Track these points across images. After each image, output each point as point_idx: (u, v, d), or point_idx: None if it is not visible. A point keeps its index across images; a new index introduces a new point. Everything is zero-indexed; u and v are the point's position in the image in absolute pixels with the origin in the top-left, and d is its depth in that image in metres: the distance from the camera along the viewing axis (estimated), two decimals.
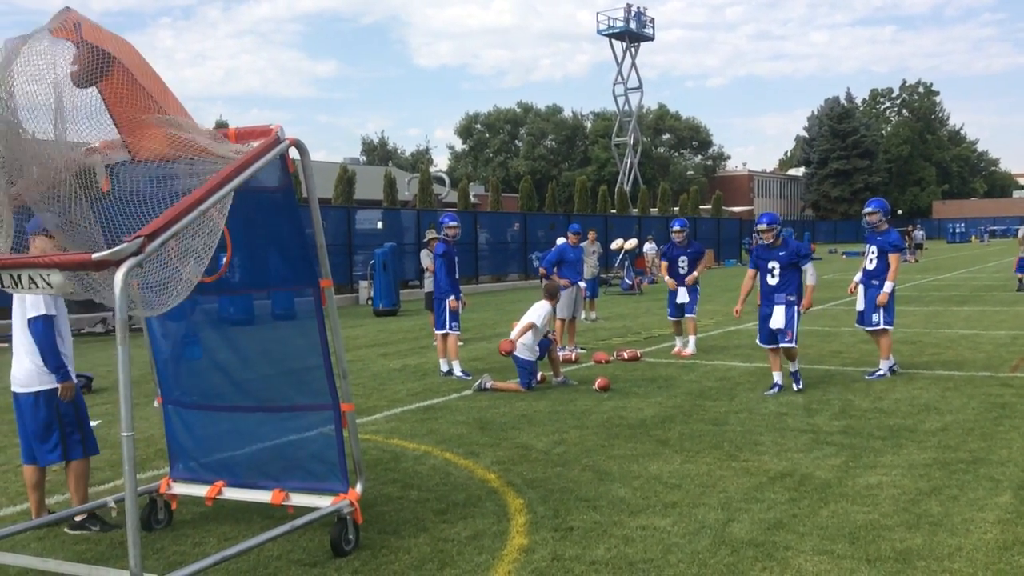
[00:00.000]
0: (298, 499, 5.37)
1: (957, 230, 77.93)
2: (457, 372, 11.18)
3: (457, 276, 11.33)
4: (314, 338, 5.24)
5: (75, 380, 5.61)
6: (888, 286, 10.31)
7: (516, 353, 10.18)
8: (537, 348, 10.24)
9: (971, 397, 9.00)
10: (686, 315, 12.89)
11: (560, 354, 11.23)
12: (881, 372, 10.44)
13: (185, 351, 5.82)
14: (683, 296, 12.84)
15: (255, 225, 5.25)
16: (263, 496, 5.46)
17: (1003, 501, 5.66)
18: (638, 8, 68.66)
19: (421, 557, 5.01)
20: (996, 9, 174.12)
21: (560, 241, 16.01)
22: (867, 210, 10.62)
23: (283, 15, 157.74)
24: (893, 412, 8.44)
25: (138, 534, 4.00)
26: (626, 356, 12.34)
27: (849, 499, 5.81)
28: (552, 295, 10.79)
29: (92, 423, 8.90)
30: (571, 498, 5.99)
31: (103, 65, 4.43)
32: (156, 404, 8.95)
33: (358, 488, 5.37)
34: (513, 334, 10.33)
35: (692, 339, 12.87)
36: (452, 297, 11.16)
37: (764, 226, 9.72)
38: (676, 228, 13.16)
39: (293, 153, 5.06)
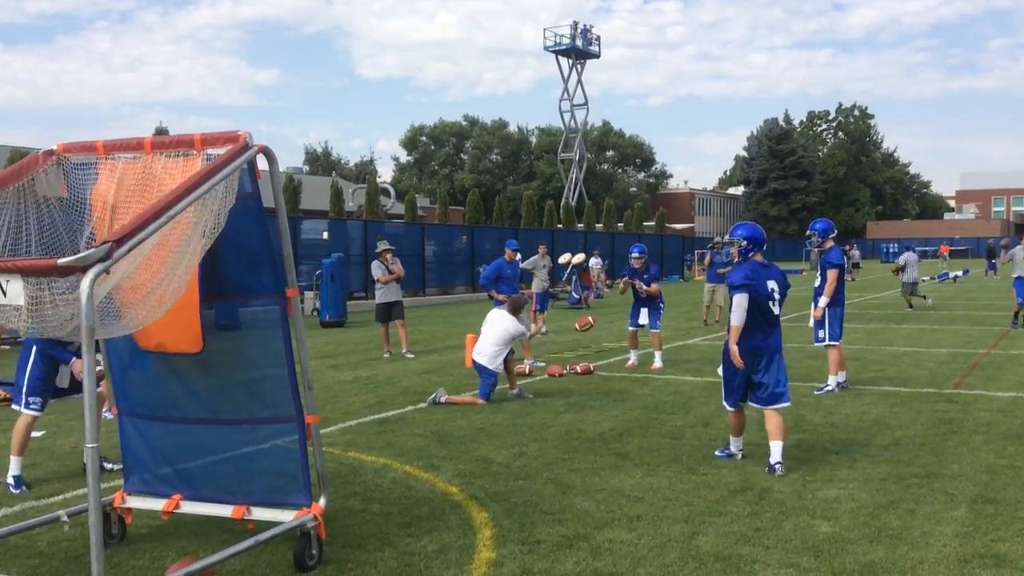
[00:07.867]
0: (259, 513, 5.23)
1: (891, 250, 79.94)
2: None
3: None
4: (278, 348, 5.15)
5: None
6: (822, 301, 10.51)
7: (483, 363, 10.15)
8: (501, 361, 10.21)
9: (919, 413, 9.19)
10: (651, 330, 12.95)
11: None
12: (829, 388, 10.62)
13: (134, 361, 5.66)
14: (644, 317, 12.92)
15: (221, 233, 5.13)
16: (223, 510, 5.31)
17: (959, 515, 5.77)
18: (584, 25, 69.37)
19: (388, 571, 4.93)
20: (929, 36, 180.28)
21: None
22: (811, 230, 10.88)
23: (224, 22, 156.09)
24: (844, 427, 8.58)
25: (102, 549, 3.86)
26: (579, 370, 12.37)
27: (810, 513, 5.88)
28: (516, 309, 10.76)
29: (36, 434, 8.67)
30: (536, 511, 5.96)
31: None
32: (107, 414, 8.77)
33: (321, 502, 5.27)
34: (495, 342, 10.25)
35: (658, 354, 12.93)
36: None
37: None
38: (635, 254, 12.87)
39: (261, 161, 4.98)
